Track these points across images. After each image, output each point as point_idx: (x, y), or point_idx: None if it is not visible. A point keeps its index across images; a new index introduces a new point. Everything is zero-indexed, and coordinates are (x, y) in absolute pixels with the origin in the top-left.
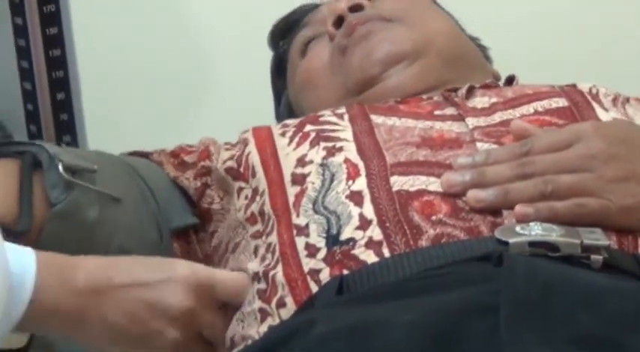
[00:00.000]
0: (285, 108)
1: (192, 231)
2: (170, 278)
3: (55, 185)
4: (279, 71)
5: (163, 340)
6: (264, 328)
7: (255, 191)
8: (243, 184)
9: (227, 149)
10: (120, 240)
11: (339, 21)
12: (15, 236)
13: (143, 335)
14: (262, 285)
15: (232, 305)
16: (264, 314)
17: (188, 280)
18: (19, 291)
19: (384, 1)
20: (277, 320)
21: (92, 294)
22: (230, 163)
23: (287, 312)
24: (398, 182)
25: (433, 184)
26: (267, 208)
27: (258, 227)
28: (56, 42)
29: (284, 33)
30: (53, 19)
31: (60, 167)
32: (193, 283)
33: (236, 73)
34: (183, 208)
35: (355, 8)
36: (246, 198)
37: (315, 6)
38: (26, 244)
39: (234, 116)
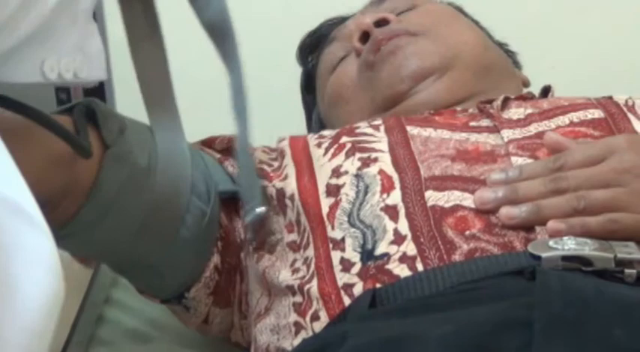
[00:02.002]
0: (316, 123)
1: (234, 211)
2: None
3: (110, 131)
4: (309, 87)
5: None
6: (297, 341)
7: (280, 192)
8: (265, 183)
9: (264, 151)
10: (166, 192)
11: (364, 36)
12: (85, 156)
13: None
14: (298, 299)
15: None
16: (298, 327)
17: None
18: None
19: (409, 15)
20: (310, 334)
21: None
22: (263, 166)
23: (320, 325)
24: (432, 197)
25: (467, 200)
26: (303, 218)
27: (294, 237)
28: None
29: (312, 48)
30: None
31: (117, 114)
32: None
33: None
34: (230, 180)
35: (381, 23)
36: (271, 197)
37: (342, 20)
38: (83, 189)
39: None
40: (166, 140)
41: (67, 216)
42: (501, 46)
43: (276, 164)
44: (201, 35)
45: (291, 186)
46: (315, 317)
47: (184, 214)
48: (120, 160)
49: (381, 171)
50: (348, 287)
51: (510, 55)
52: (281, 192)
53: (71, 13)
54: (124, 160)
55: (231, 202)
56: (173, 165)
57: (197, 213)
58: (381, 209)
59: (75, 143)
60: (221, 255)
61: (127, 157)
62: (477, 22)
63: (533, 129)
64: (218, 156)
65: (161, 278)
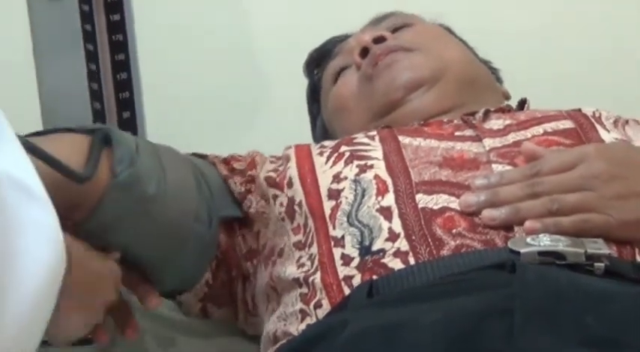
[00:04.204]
0: (320, 130)
1: (237, 226)
2: None
3: (122, 160)
4: (314, 97)
5: None
6: (302, 326)
7: (291, 200)
8: (277, 192)
9: (271, 161)
10: (171, 217)
11: (364, 51)
12: (78, 182)
13: None
14: (304, 290)
15: None
16: (303, 314)
17: None
18: None
19: (404, 33)
20: (314, 320)
21: None
22: (270, 174)
23: (323, 313)
24: (423, 200)
25: (453, 203)
26: (310, 222)
27: (300, 237)
28: (123, 66)
29: (318, 62)
30: (121, 46)
31: (131, 143)
32: None
33: (288, 91)
34: (232, 202)
35: (379, 40)
36: (281, 205)
37: (346, 37)
38: (84, 207)
39: (283, 130)
40: (174, 171)
41: (81, 220)
42: (486, 63)
43: (281, 168)
44: None
45: (298, 193)
46: (319, 305)
47: (186, 240)
48: (124, 190)
49: (376, 177)
50: (348, 278)
51: (494, 71)
52: (292, 200)
53: None
54: (128, 190)
55: (233, 220)
56: (180, 196)
57: (198, 237)
58: (377, 210)
59: (65, 172)
60: (213, 272)
61: (132, 187)
62: (464, 42)
63: (511, 138)
64: (225, 173)
65: (157, 281)
